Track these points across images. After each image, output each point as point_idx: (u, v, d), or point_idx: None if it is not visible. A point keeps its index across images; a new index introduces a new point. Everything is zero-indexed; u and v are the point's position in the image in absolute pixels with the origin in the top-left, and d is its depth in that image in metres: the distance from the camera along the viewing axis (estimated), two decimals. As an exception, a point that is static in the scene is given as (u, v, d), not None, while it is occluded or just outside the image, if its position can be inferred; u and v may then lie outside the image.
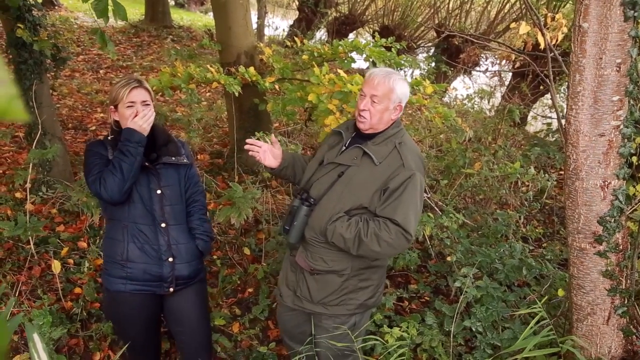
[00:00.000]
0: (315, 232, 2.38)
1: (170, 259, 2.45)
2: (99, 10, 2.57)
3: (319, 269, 2.41)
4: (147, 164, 2.42)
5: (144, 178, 2.41)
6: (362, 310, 2.51)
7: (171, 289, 2.48)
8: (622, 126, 2.28)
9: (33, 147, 3.96)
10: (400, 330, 2.85)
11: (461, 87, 10.27)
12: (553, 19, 4.34)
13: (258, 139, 3.99)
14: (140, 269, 2.41)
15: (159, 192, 2.44)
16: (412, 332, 3.05)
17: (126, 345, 2.46)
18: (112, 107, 2.41)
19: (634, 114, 2.27)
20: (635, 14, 2.12)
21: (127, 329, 2.55)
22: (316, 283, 2.44)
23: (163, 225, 2.44)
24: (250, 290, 3.83)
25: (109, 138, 2.44)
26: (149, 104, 2.39)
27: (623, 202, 2.35)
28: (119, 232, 2.40)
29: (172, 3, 17.08)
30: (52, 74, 4.49)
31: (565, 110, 2.54)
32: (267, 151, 2.59)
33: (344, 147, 2.43)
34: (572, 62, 2.29)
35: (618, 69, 2.20)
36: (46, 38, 3.99)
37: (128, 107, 2.34)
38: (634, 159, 3.82)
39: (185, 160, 2.55)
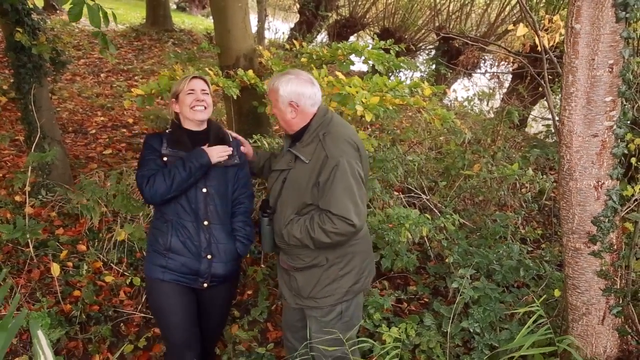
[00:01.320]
0: (280, 237, 2.52)
1: (209, 257, 2.55)
2: (73, 14, 2.61)
3: (299, 266, 2.53)
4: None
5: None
6: (349, 297, 2.57)
7: (205, 285, 2.59)
8: (615, 127, 2.29)
9: (32, 151, 3.99)
10: (398, 331, 2.86)
11: (460, 89, 10.28)
12: (551, 20, 4.36)
13: (256, 141, 4.04)
14: (179, 261, 2.52)
15: (204, 190, 2.52)
16: (410, 333, 3.06)
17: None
18: (173, 99, 2.57)
19: (627, 115, 2.28)
20: (627, 15, 2.13)
21: (167, 316, 2.60)
22: (303, 278, 2.55)
23: (205, 223, 2.53)
24: (249, 292, 3.84)
25: (167, 131, 2.59)
26: (207, 93, 2.57)
27: (617, 202, 2.36)
28: (164, 224, 2.51)
29: (173, 7, 17.14)
30: (52, 77, 4.52)
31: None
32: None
33: (284, 154, 2.56)
34: (565, 63, 2.31)
35: (610, 69, 2.22)
36: (45, 42, 4.02)
37: (189, 94, 2.51)
38: (633, 160, 3.84)
39: (235, 161, 2.64)
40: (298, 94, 2.42)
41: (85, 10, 2.68)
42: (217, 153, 2.50)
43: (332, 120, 2.48)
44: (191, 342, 2.63)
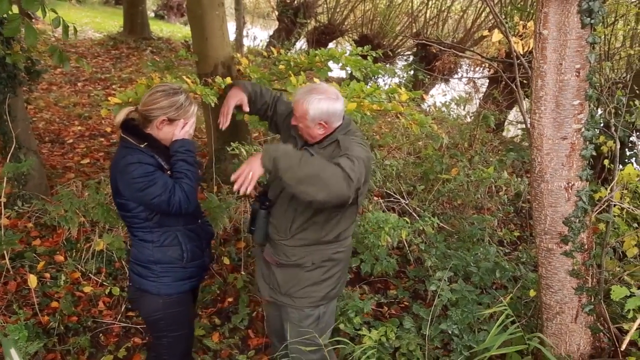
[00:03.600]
0: (277, 231, 2.50)
1: (207, 249, 2.63)
2: (9, 29, 2.54)
3: (282, 262, 2.53)
4: None
5: None
6: (324, 302, 2.60)
7: (206, 277, 2.77)
8: (583, 129, 2.35)
9: (7, 161, 3.94)
10: (378, 333, 2.90)
11: (437, 94, 10.40)
12: (525, 27, 4.45)
13: (234, 149, 4.04)
14: (196, 265, 2.55)
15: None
16: (390, 336, 3.09)
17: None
18: (165, 119, 2.35)
19: (594, 117, 2.35)
20: (592, 21, 2.20)
21: (187, 326, 2.64)
22: (283, 275, 2.56)
23: (200, 221, 2.59)
24: (229, 299, 3.84)
25: (142, 146, 2.34)
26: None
27: (587, 203, 2.42)
28: (173, 238, 2.45)
29: (151, 15, 17.08)
30: (27, 87, 4.47)
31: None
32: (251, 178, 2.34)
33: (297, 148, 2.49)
34: (534, 67, 2.37)
35: (577, 74, 2.28)
36: (20, 51, 3.98)
37: (185, 124, 2.40)
38: (606, 162, 3.93)
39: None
40: (329, 114, 2.34)
41: (49, 18, 2.65)
42: (190, 130, 2.42)
43: (351, 132, 2.45)
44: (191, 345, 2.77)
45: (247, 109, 2.75)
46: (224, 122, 2.72)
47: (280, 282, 2.57)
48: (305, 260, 2.49)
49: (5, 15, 2.55)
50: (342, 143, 2.35)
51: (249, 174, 2.17)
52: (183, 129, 2.39)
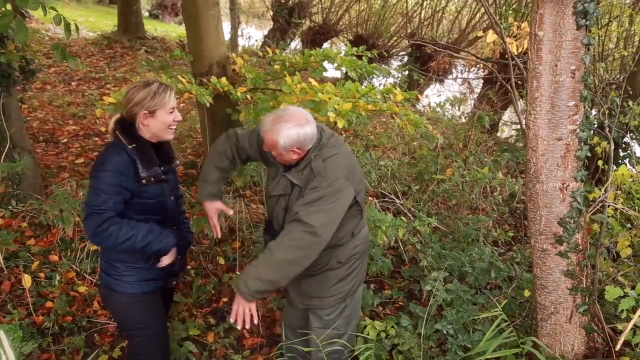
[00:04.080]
0: None
1: (179, 256, 2.58)
2: (0, 25, 2.52)
3: (309, 274, 2.52)
4: (163, 176, 2.43)
5: (159, 188, 2.41)
6: (352, 293, 2.67)
7: (174, 283, 2.69)
8: (578, 130, 2.37)
9: (2, 161, 3.92)
10: (381, 325, 2.96)
11: (432, 94, 10.42)
12: (519, 27, 4.47)
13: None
14: (163, 269, 2.51)
15: (172, 198, 2.52)
16: (390, 332, 3.12)
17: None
18: (146, 112, 2.31)
19: (589, 119, 2.36)
20: (587, 23, 2.21)
21: (154, 327, 2.60)
22: (313, 281, 2.59)
23: (174, 227, 2.55)
24: (224, 299, 3.83)
25: (130, 147, 2.31)
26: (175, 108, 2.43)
27: (581, 204, 2.43)
28: (129, 222, 2.36)
29: (145, 14, 17.02)
30: (21, 86, 4.45)
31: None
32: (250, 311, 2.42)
33: (279, 177, 2.49)
34: (529, 69, 2.38)
35: (573, 75, 2.29)
36: (14, 50, 3.97)
37: (170, 112, 2.36)
38: (600, 162, 3.95)
39: (178, 162, 2.63)
40: (299, 140, 2.28)
41: (50, 16, 2.63)
42: (171, 256, 2.47)
43: (328, 143, 2.41)
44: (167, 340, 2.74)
45: (230, 212, 2.79)
46: (217, 233, 2.77)
47: (310, 287, 2.61)
48: (331, 263, 2.54)
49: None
50: (315, 168, 2.33)
51: (245, 310, 2.31)
52: (172, 115, 2.35)
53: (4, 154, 4.01)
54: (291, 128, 2.25)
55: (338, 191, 2.29)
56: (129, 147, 2.31)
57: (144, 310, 2.54)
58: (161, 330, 2.66)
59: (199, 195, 2.78)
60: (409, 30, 11.83)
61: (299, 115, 2.31)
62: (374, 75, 6.82)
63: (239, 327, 2.34)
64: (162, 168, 2.43)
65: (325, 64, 4.62)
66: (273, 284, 2.29)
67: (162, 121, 2.35)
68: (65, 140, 6.39)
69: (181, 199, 2.75)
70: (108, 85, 8.86)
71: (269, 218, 2.65)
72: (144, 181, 2.32)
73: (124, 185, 2.27)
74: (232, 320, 2.34)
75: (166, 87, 2.37)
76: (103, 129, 6.86)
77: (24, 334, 2.87)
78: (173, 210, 2.53)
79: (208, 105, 4.06)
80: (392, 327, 3.15)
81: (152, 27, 14.52)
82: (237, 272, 3.97)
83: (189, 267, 4.01)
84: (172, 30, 15.43)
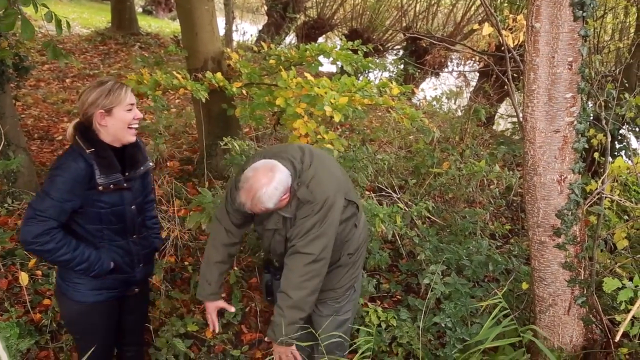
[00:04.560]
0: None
1: (142, 265, 2.50)
2: (5, 24, 2.49)
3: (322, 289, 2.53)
4: (125, 184, 2.31)
5: (116, 197, 2.30)
6: (358, 279, 2.76)
7: (136, 290, 2.55)
8: (575, 122, 2.37)
9: (-4, 159, 3.90)
10: (382, 314, 2.99)
11: (428, 88, 10.42)
12: (515, 20, 4.46)
13: (226, 144, 4.03)
14: (118, 278, 2.41)
15: (133, 207, 2.39)
16: (391, 322, 3.14)
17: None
18: (102, 111, 2.20)
19: (587, 111, 2.36)
20: (584, 14, 2.20)
21: (103, 337, 2.52)
22: (327, 277, 2.55)
23: (135, 236, 2.45)
24: (222, 295, 3.81)
25: (88, 152, 2.19)
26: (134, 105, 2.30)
27: (579, 196, 2.44)
28: (73, 242, 2.25)
29: (139, 10, 16.93)
30: (15, 83, 4.42)
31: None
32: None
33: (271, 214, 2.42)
34: (526, 61, 2.38)
35: (570, 67, 2.29)
36: (7, 47, 3.94)
37: (128, 110, 2.24)
38: (596, 154, 3.95)
39: (151, 164, 2.51)
40: (282, 190, 2.21)
41: (41, 13, 2.61)
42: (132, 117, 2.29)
43: (303, 165, 2.35)
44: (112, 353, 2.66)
45: (232, 309, 2.81)
46: (216, 328, 2.77)
47: (325, 282, 2.57)
48: (343, 259, 2.57)
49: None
50: (302, 197, 2.29)
51: (289, 354, 2.45)
52: (130, 112, 2.25)
53: (-2, 151, 3.98)
54: (267, 189, 2.17)
55: (329, 210, 2.28)
56: (87, 151, 2.18)
57: (91, 320, 2.44)
58: (104, 344, 2.54)
59: (199, 293, 2.71)
60: (404, 24, 11.81)
61: (261, 173, 2.20)
62: (369, 70, 6.81)
63: None
64: (127, 174, 2.32)
65: (321, 58, 4.61)
66: (304, 317, 2.39)
67: (120, 119, 2.23)
68: (60, 137, 6.36)
69: (153, 203, 2.66)
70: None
71: (267, 255, 2.66)
72: (100, 188, 2.21)
73: (76, 193, 2.16)
74: None
75: (121, 85, 2.25)
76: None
77: (22, 331, 2.86)
78: (132, 220, 2.40)
79: (204, 100, 4.04)
80: (394, 317, 3.17)
81: (146, 23, 14.46)
82: (235, 268, 3.96)
83: (186, 263, 4.00)
84: (166, 26, 15.36)
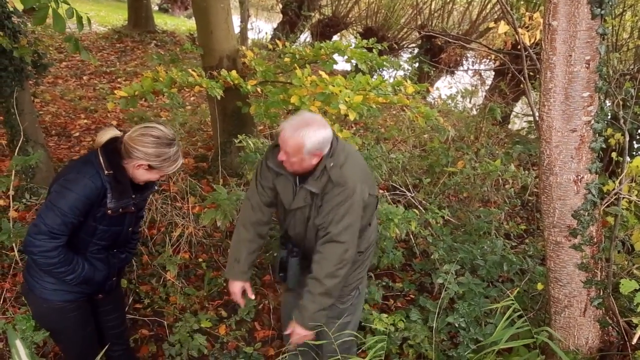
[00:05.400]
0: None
1: (114, 278, 2.51)
2: (37, 18, 2.53)
3: None
4: (132, 208, 2.33)
5: (117, 220, 2.30)
6: (364, 280, 2.76)
7: (101, 296, 2.52)
8: (593, 121, 2.34)
9: (15, 154, 3.95)
10: (388, 319, 2.96)
11: (443, 87, 10.35)
12: (531, 18, 4.42)
13: (240, 142, 4.04)
14: (91, 285, 2.40)
15: (130, 229, 2.42)
16: (399, 325, 3.12)
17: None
18: (144, 163, 2.20)
19: (604, 110, 2.33)
20: (602, 12, 2.18)
21: (72, 334, 2.50)
22: None
23: (115, 250, 2.44)
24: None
25: (107, 174, 2.19)
26: None
27: (596, 196, 2.41)
28: (72, 256, 2.26)
29: (155, 8, 17.04)
30: (34, 80, 4.47)
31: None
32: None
33: (294, 195, 2.45)
34: (543, 59, 2.35)
35: (587, 65, 2.26)
36: (26, 45, 3.98)
37: (161, 176, 2.30)
38: (614, 154, 3.91)
39: (156, 187, 2.55)
40: (323, 143, 2.29)
41: (62, 10, 2.65)
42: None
43: (337, 147, 2.40)
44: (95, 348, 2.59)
45: (252, 296, 2.76)
46: (242, 303, 2.77)
47: None
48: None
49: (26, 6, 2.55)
50: (334, 177, 2.32)
51: (307, 335, 2.49)
52: (161, 177, 2.31)
53: (17, 147, 4.03)
54: (316, 131, 2.25)
55: (358, 197, 2.34)
56: (105, 172, 2.18)
57: (62, 318, 2.40)
58: (81, 341, 2.52)
59: (227, 272, 2.73)
60: (419, 22, 11.76)
61: (319, 119, 2.32)
62: (384, 68, 6.78)
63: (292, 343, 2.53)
64: (134, 197, 2.32)
65: (336, 56, 4.60)
66: (330, 304, 2.45)
67: (149, 177, 2.28)
68: (77, 134, 6.43)
69: (141, 220, 2.66)
70: (119, 79, 8.90)
71: (284, 233, 2.64)
72: (109, 212, 2.22)
73: (86, 209, 2.17)
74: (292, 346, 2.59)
75: (179, 155, 2.28)
76: (114, 122, 6.89)
77: (37, 324, 2.89)
78: (124, 238, 2.42)
79: (219, 98, 4.06)
80: (401, 320, 3.15)
81: (162, 21, 14.55)
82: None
83: (200, 259, 4.03)
84: (181, 24, 15.44)
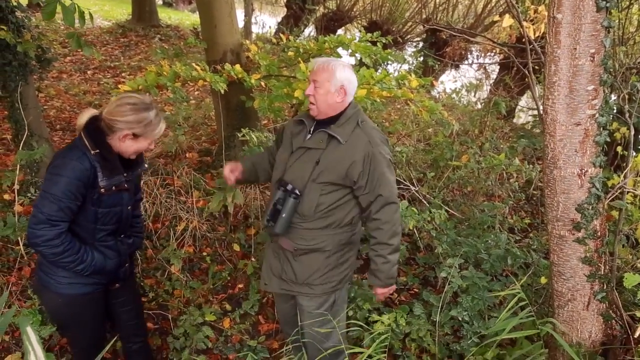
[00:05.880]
0: (299, 214, 2.49)
1: (127, 264, 2.53)
2: (46, 12, 2.56)
3: (301, 247, 2.53)
4: (125, 185, 2.33)
5: (116, 198, 2.32)
6: (342, 285, 2.67)
7: (117, 285, 2.55)
8: (597, 115, 2.32)
9: (20, 149, 3.97)
10: (388, 319, 2.93)
11: (448, 80, 10.31)
12: (536, 11, 4.39)
13: (244, 135, 4.05)
14: (103, 277, 2.42)
15: (129, 208, 2.43)
16: (400, 322, 3.11)
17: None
18: (130, 135, 2.22)
19: (609, 103, 2.32)
20: (607, 5, 2.16)
21: (91, 327, 2.53)
22: (301, 264, 2.57)
23: (122, 235, 2.46)
24: (240, 285, 3.86)
25: (94, 153, 2.18)
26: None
27: (600, 190, 2.40)
28: (79, 246, 2.28)
29: (159, 2, 17.04)
30: (38, 75, 4.48)
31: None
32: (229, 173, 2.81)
33: (309, 134, 2.52)
34: (547, 52, 2.34)
35: (592, 58, 2.25)
36: (30, 39, 4.00)
37: (150, 144, 2.30)
38: (619, 148, 3.89)
39: (146, 166, 2.53)
40: (350, 80, 2.46)
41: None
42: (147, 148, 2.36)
43: (363, 112, 2.57)
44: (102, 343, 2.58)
45: (238, 175, 2.81)
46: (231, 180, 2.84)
47: (298, 272, 2.57)
48: (325, 244, 2.52)
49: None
50: (368, 131, 2.47)
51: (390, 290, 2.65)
52: (150, 144, 2.30)
53: (22, 142, 4.05)
54: (346, 67, 2.47)
55: (391, 157, 2.53)
56: (92, 152, 2.18)
57: (77, 312, 2.43)
58: (93, 334, 2.54)
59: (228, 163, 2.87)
60: (423, 16, 11.70)
61: (349, 65, 2.52)
62: (388, 62, 6.76)
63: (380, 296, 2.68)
64: (126, 175, 2.32)
65: (340, 50, 4.59)
66: (396, 251, 2.56)
67: (140, 146, 2.28)
68: (82, 128, 6.44)
69: (140, 202, 2.68)
70: (123, 74, 8.91)
71: (282, 176, 2.55)
72: (102, 190, 2.22)
73: (80, 192, 2.17)
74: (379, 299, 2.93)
75: (161, 119, 2.28)
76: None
77: (44, 318, 2.91)
78: (127, 220, 2.43)
79: (222, 92, 4.06)
80: (403, 317, 3.14)
81: (166, 16, 14.55)
82: (252, 259, 3.99)
83: (204, 253, 4.05)
84: (185, 18, 15.44)
